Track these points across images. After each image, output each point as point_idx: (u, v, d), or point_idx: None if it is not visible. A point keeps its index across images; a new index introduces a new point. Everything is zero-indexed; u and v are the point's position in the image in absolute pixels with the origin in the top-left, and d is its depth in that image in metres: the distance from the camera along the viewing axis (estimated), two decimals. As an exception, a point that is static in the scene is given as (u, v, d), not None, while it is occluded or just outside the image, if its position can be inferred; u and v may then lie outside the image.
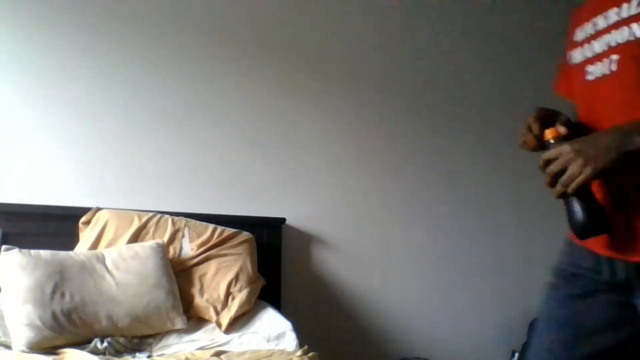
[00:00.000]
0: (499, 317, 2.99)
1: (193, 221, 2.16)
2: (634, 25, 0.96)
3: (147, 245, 1.95)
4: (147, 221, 2.09)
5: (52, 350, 1.59)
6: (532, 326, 2.93)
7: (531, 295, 3.09)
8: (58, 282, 1.66)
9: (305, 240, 2.58)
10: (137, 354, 1.72)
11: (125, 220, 2.07)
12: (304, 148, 2.61)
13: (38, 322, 1.57)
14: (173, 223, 2.13)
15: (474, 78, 3.21)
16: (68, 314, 1.62)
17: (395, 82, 2.95)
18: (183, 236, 2.12)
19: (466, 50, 3.23)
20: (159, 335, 1.83)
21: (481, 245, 3.04)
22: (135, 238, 2.03)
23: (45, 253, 1.76)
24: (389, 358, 2.59)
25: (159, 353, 1.74)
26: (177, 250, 2.08)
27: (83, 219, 2.05)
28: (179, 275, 1.98)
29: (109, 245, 1.99)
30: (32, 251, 1.74)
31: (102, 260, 1.83)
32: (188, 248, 2.09)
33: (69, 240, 2.00)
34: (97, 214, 2.07)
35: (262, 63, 2.59)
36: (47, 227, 2.05)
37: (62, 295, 1.64)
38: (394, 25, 3.04)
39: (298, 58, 2.70)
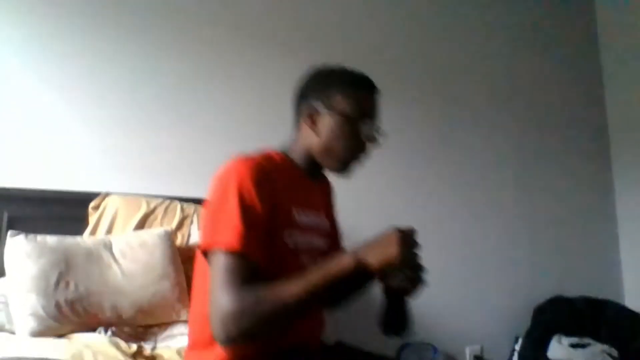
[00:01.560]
0: (502, 303, 3.03)
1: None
2: None
3: (155, 233, 1.93)
4: (156, 207, 2.08)
5: (57, 337, 1.58)
6: (536, 312, 2.96)
7: (535, 282, 3.12)
8: (63, 270, 1.65)
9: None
10: (142, 344, 1.67)
11: (134, 206, 2.06)
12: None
13: (41, 312, 1.57)
14: (182, 209, 2.12)
15: (481, 73, 3.20)
16: (72, 304, 1.61)
17: (397, 80, 2.93)
18: (192, 223, 2.10)
19: (474, 45, 3.20)
20: (164, 324, 1.82)
21: (486, 231, 3.06)
22: (143, 224, 2.03)
23: (51, 239, 1.73)
24: (392, 343, 2.61)
25: (163, 344, 1.72)
26: (186, 237, 2.06)
27: (92, 204, 2.04)
28: (186, 262, 1.93)
29: (117, 230, 1.98)
30: (39, 237, 1.72)
31: (109, 247, 1.81)
32: (197, 235, 2.06)
33: (77, 224, 1.99)
34: (106, 199, 2.06)
35: (270, 54, 2.58)
36: (55, 211, 2.02)
37: (67, 284, 1.63)
38: (396, 23, 3.01)
39: (305, 52, 2.65)
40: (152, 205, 2.08)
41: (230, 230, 1.03)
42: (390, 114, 2.81)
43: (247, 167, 1.10)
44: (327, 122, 1.22)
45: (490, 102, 3.22)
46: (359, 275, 1.04)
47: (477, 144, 3.12)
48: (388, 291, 1.13)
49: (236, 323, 0.97)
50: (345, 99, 1.21)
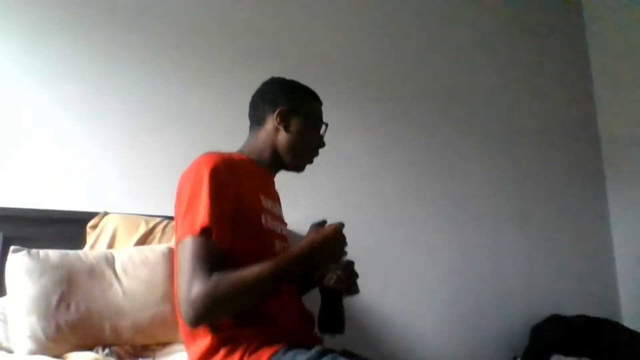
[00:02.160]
0: (500, 322, 3.01)
1: (200, 227, 2.15)
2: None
3: (158, 250, 1.92)
4: (154, 226, 2.08)
5: (54, 357, 1.56)
6: (533, 331, 2.95)
7: (532, 300, 3.11)
8: (64, 291, 1.63)
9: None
10: None
11: (132, 225, 2.05)
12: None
13: (41, 335, 1.55)
14: (180, 229, 2.12)
15: (472, 79, 3.24)
16: (72, 326, 1.60)
17: (396, 84, 2.97)
18: (190, 242, 2.11)
19: (465, 51, 3.25)
20: (162, 342, 1.80)
21: (482, 249, 3.06)
22: (142, 243, 2.02)
23: (54, 255, 1.72)
24: (387, 362, 2.61)
25: None
26: (184, 257, 2.07)
27: (91, 223, 2.04)
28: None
29: (116, 249, 1.96)
30: (41, 252, 1.70)
31: (111, 263, 1.80)
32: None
33: (74, 244, 1.96)
34: (105, 219, 2.05)
35: (264, 64, 2.56)
36: (52, 231, 2.01)
37: (68, 306, 1.61)
38: (394, 26, 3.05)
39: (300, 59, 2.70)
40: (150, 225, 2.08)
41: (201, 213, 1.14)
42: (383, 124, 2.89)
43: (214, 160, 1.23)
44: (297, 122, 1.42)
45: (481, 113, 3.25)
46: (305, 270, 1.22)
47: (470, 161, 3.13)
48: (324, 290, 1.26)
49: (203, 306, 1.08)
50: (311, 106, 1.48)
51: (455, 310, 2.89)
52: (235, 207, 1.20)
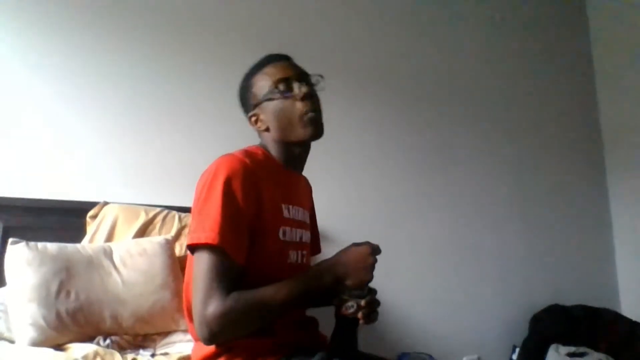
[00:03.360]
0: (500, 312, 3.03)
1: (200, 217, 2.14)
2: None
3: (155, 242, 1.93)
4: (154, 216, 2.08)
5: (55, 346, 1.57)
6: (533, 321, 2.96)
7: (532, 290, 3.12)
8: (64, 279, 1.64)
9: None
10: (141, 351, 1.70)
11: (132, 215, 2.05)
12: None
13: (42, 322, 1.55)
14: (180, 219, 2.11)
15: (475, 76, 3.25)
16: (73, 314, 1.60)
17: (396, 80, 2.98)
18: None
19: (468, 48, 3.25)
20: (163, 332, 1.81)
21: (482, 240, 3.07)
22: (142, 233, 2.02)
23: (52, 247, 1.72)
24: (389, 353, 2.60)
25: (162, 351, 1.73)
26: (184, 247, 2.03)
27: (90, 213, 2.03)
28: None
29: (116, 239, 1.98)
30: (39, 244, 1.71)
31: (109, 255, 1.81)
32: (194, 244, 2.07)
33: (74, 234, 1.97)
34: (105, 208, 2.05)
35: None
36: (51, 221, 2.01)
37: (68, 294, 1.62)
38: (394, 22, 3.05)
39: (300, 55, 2.67)
40: (150, 215, 2.08)
41: (212, 226, 1.06)
42: (384, 120, 2.89)
43: (232, 167, 1.13)
44: (264, 112, 1.27)
45: (484, 110, 3.25)
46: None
47: (471, 154, 3.14)
48: (341, 317, 1.13)
49: (218, 326, 1.03)
50: (262, 80, 1.28)
51: (456, 300, 2.90)
52: (251, 220, 1.13)
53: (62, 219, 2.04)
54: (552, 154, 3.41)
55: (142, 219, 2.05)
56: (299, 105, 1.24)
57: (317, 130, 1.26)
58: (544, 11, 3.58)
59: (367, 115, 2.87)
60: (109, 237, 1.99)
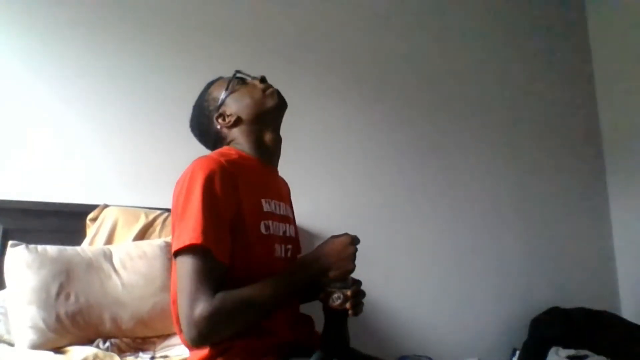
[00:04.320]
0: (499, 315, 3.02)
1: (200, 220, 2.15)
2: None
3: (155, 244, 1.93)
4: (154, 219, 2.08)
5: (55, 349, 1.57)
6: (533, 324, 2.96)
7: (532, 293, 3.12)
8: (64, 282, 1.64)
9: (307, 238, 2.58)
10: (141, 354, 1.71)
11: (132, 218, 2.06)
12: (306, 146, 2.59)
13: (42, 325, 1.56)
14: (180, 222, 2.12)
15: (474, 76, 3.24)
16: (72, 317, 1.60)
17: (396, 81, 2.98)
18: (189, 235, 2.11)
19: (467, 49, 3.26)
20: (162, 335, 1.81)
21: (482, 242, 3.07)
22: (142, 236, 2.02)
23: (52, 249, 1.73)
24: (389, 355, 2.60)
25: (162, 353, 1.73)
26: (183, 249, 2.07)
27: (90, 216, 2.04)
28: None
29: (116, 241, 1.98)
30: (39, 247, 1.71)
31: (109, 257, 1.81)
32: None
33: (74, 237, 1.98)
34: (105, 211, 2.06)
35: (266, 61, 2.58)
36: (52, 223, 2.02)
37: (67, 296, 1.62)
38: (393, 24, 3.05)
39: (300, 56, 2.69)
40: (150, 217, 2.08)
41: (194, 226, 1.07)
42: (384, 120, 2.89)
43: (209, 167, 1.14)
44: (229, 106, 1.36)
45: (482, 110, 3.25)
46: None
47: (471, 155, 3.14)
48: (329, 310, 1.14)
49: (206, 327, 1.03)
50: (215, 90, 1.40)
51: (456, 302, 2.90)
52: (232, 217, 1.13)
53: (62, 222, 2.05)
54: (552, 156, 3.41)
55: (142, 221, 2.06)
56: (260, 85, 1.37)
57: (281, 100, 1.37)
58: (543, 12, 3.59)
59: (368, 117, 2.87)
60: (109, 240, 1.99)
